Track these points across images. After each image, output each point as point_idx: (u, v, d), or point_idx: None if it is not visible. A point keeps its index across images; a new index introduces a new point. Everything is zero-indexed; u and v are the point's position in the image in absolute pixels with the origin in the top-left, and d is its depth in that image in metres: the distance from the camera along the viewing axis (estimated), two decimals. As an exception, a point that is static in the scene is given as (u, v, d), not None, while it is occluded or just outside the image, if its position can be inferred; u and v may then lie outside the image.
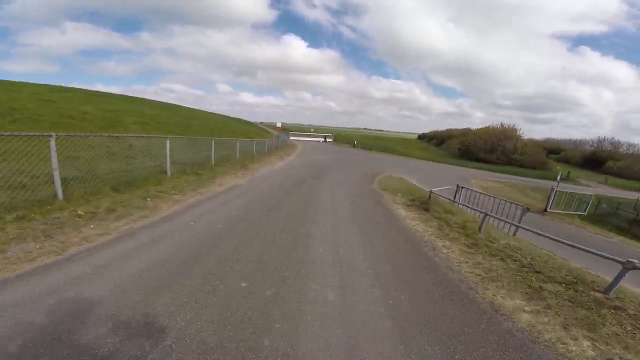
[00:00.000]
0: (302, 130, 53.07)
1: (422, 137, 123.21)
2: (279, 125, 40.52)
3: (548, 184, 29.43)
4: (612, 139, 64.59)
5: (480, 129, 57.71)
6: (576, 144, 76.48)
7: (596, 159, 56.27)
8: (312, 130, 47.71)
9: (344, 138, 60.98)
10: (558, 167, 44.08)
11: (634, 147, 59.64)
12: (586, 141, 72.17)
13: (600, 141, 65.92)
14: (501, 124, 46.14)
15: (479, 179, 23.26)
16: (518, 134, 44.33)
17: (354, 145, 46.40)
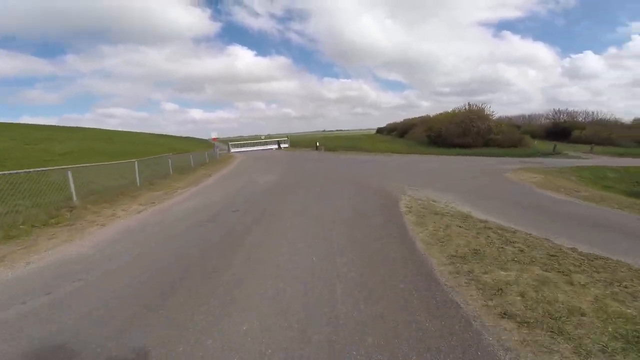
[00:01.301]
0: (253, 139, 45.30)
1: (380, 130, 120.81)
2: (214, 136, 32.98)
3: (546, 160, 25.14)
4: (567, 109, 64.53)
5: (442, 113, 53.76)
6: (529, 119, 76.40)
7: (561, 131, 54.88)
8: (263, 137, 40.43)
9: (304, 142, 54.35)
10: (536, 143, 40.79)
11: (591, 115, 59.38)
12: (539, 115, 72.04)
13: (557, 112, 65.51)
14: (468, 104, 41.92)
15: (511, 170, 17.71)
16: (487, 113, 40.26)
17: (316, 148, 39.78)
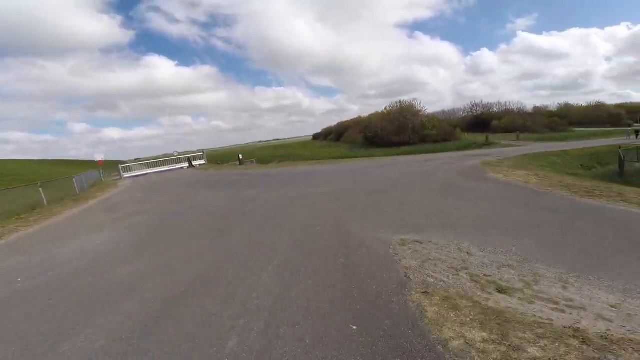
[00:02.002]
0: (165, 157, 37.10)
1: (317, 136, 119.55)
2: (99, 159, 25.52)
3: (491, 151, 24.08)
4: (482, 101, 69.48)
5: (375, 113, 53.08)
6: (449, 113, 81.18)
7: (481, 122, 57.96)
8: (176, 154, 33.55)
9: (233, 155, 48.78)
10: (465, 136, 41.41)
11: (504, 105, 64.44)
12: (458, 109, 76.79)
13: (473, 105, 70.05)
14: (400, 100, 41.00)
15: (482, 167, 14.79)
16: (418, 108, 39.66)
17: (240, 162, 33.26)
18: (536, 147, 26.42)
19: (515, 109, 60.60)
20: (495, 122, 54.25)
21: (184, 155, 31.50)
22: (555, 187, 9.04)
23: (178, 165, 29.94)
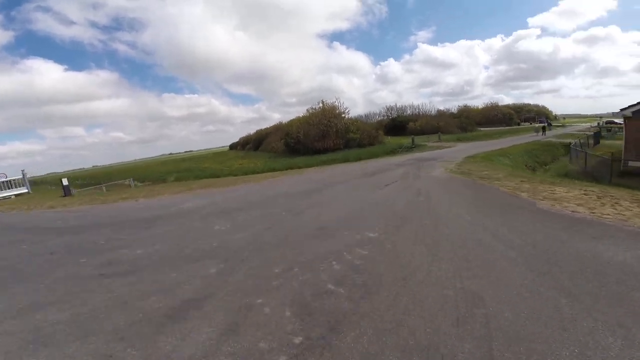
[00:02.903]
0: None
1: (234, 146, 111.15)
2: None
3: (432, 155, 20.98)
4: (396, 105, 71.39)
5: (297, 117, 48.26)
6: (366, 118, 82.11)
7: (398, 124, 58.40)
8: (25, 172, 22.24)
9: (119, 175, 38.17)
10: (388, 139, 39.41)
11: (417, 108, 66.80)
12: (374, 113, 77.88)
13: (389, 109, 71.38)
14: (322, 101, 36.76)
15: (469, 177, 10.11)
16: (339, 111, 36.03)
17: (65, 193, 21.96)
18: (466, 147, 24.69)
19: (428, 112, 63.04)
20: (411, 125, 55.00)
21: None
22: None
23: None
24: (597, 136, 29.88)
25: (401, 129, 56.98)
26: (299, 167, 22.34)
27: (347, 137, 32.96)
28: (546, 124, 45.52)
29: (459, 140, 35.40)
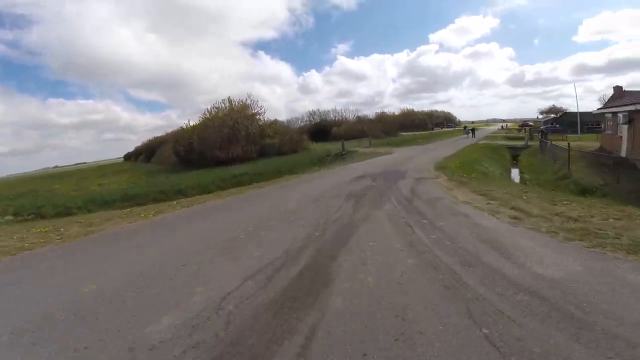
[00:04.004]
0: None
1: (128, 156, 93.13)
2: None
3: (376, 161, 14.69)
4: (318, 109, 66.36)
5: (203, 121, 38.22)
6: (288, 123, 75.57)
7: (322, 129, 53.30)
8: None
9: None
10: (313, 145, 32.91)
11: (339, 113, 62.77)
12: (296, 118, 71.84)
13: (311, 114, 65.91)
14: (229, 99, 27.96)
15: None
16: (254, 112, 27.97)
17: None
18: (409, 153, 19.55)
19: (351, 117, 59.47)
20: (335, 129, 50.20)
21: None
22: None
23: None
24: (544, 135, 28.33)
25: (325, 134, 51.93)
26: (166, 199, 13.50)
27: (263, 142, 25.13)
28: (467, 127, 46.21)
29: (390, 145, 31.00)
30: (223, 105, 27.63)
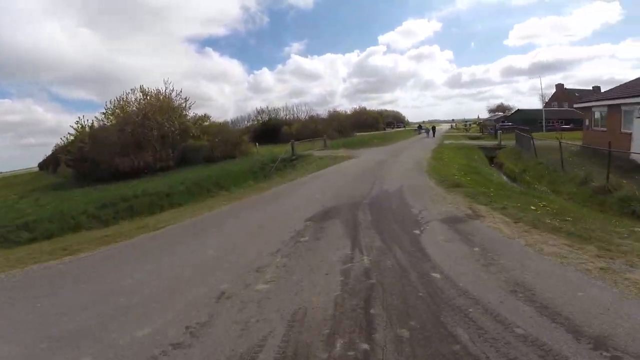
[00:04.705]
0: None
1: (43, 165, 78.59)
2: None
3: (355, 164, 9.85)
4: (267, 107, 60.46)
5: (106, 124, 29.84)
6: (233, 123, 68.18)
7: (271, 129, 47.90)
8: None
9: None
10: (257, 148, 27.32)
11: (290, 110, 57.60)
12: (242, 117, 65.11)
13: (259, 112, 59.76)
14: (141, 88, 21.08)
15: None
16: (177, 103, 21.55)
17: None
18: (379, 158, 15.32)
19: (304, 116, 54.49)
20: (286, 129, 44.99)
21: None
22: None
23: None
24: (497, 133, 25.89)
25: (274, 134, 46.44)
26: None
27: (184, 145, 19.05)
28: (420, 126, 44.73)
29: (348, 146, 26.84)
30: (133, 96, 20.79)
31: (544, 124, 27.96)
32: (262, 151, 25.43)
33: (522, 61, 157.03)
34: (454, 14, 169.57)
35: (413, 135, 38.39)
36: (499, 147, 19.73)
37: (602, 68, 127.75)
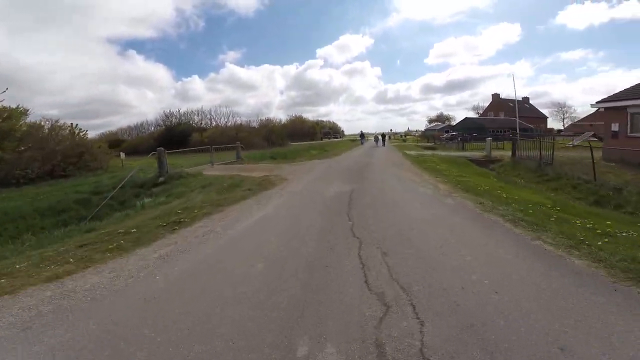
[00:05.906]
0: None
1: None
2: None
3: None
4: (178, 110, 48.83)
5: None
6: (138, 129, 54.27)
7: (178, 135, 37.37)
8: None
9: None
10: (122, 159, 17.18)
11: (207, 115, 47.00)
12: (149, 122, 52.12)
13: (168, 116, 47.80)
14: None
15: None
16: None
17: None
18: (302, 172, 7.57)
19: (226, 121, 44.55)
20: (196, 135, 34.87)
21: None
22: None
23: None
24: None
25: (182, 139, 35.87)
26: None
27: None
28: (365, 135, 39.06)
29: (275, 159, 18.61)
30: None
31: (517, 130, 23.88)
32: (134, 164, 15.68)
33: (439, 79, 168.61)
34: (384, 30, 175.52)
35: (357, 145, 32.01)
36: (491, 161, 13.83)
37: (501, 87, 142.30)
